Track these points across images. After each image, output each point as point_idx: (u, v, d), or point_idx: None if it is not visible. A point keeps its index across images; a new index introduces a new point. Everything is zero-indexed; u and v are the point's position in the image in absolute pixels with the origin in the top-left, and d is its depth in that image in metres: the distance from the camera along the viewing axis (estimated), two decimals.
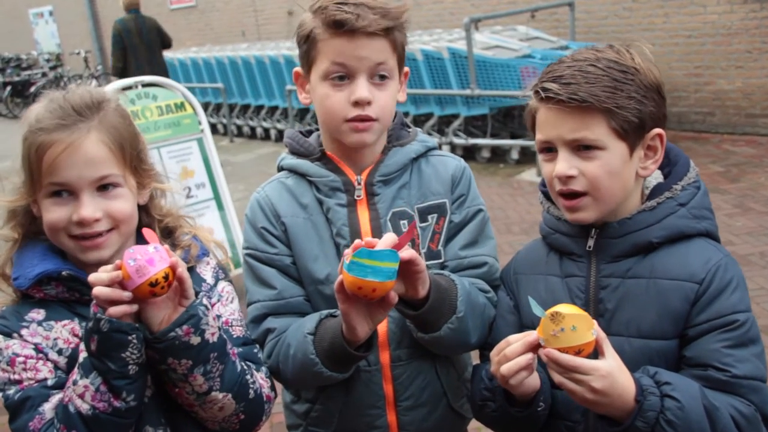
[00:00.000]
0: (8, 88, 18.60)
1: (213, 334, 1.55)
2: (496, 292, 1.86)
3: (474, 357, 2.03)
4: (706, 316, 1.51)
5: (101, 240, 1.59)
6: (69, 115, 1.58)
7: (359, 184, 1.80)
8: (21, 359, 1.57)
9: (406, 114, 9.71)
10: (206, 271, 1.80)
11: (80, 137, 1.56)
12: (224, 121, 13.12)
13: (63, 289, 1.61)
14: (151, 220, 1.75)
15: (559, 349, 1.38)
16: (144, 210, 1.74)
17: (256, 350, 1.80)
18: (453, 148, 9.37)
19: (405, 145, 1.86)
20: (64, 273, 1.59)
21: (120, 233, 1.62)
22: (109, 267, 1.46)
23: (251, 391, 1.67)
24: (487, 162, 9.17)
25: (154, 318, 1.52)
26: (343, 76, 1.71)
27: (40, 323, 1.60)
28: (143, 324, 1.52)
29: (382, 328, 1.78)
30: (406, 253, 1.52)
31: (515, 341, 1.48)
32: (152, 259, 1.44)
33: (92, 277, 1.45)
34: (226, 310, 1.78)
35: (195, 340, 1.52)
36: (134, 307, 1.47)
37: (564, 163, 1.56)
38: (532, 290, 1.71)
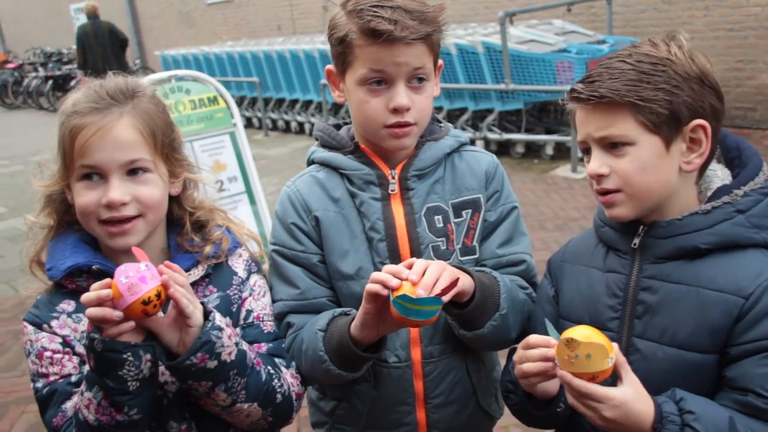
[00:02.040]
0: (50, 82, 18.92)
1: (230, 353, 1.54)
2: (534, 288, 1.84)
3: (501, 356, 2.01)
4: (751, 336, 1.40)
5: (128, 226, 1.59)
6: (103, 99, 1.59)
7: (393, 178, 1.78)
8: (48, 353, 1.59)
9: (440, 109, 9.66)
10: (238, 264, 1.79)
11: (112, 120, 1.57)
12: (259, 114, 13.21)
13: (94, 282, 1.59)
14: (183, 213, 1.74)
15: (574, 374, 1.35)
16: (176, 201, 1.74)
17: (285, 344, 1.80)
18: (487, 143, 9.31)
19: (438, 140, 1.84)
20: (94, 267, 1.59)
21: (147, 220, 1.62)
22: (97, 285, 1.43)
23: (278, 396, 1.66)
24: (522, 157, 9.09)
25: (170, 341, 1.51)
26: (380, 81, 1.68)
27: (69, 315, 1.62)
28: (160, 347, 1.51)
29: None
30: (449, 296, 1.51)
31: (535, 344, 1.46)
32: (144, 276, 1.41)
33: (84, 298, 1.43)
34: (257, 305, 1.77)
35: (212, 364, 1.51)
36: (131, 325, 1.43)
37: (595, 162, 1.52)
38: (574, 281, 1.68)
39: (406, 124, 1.70)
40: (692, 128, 1.49)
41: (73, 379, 1.58)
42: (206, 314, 1.53)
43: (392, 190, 1.78)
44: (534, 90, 8.56)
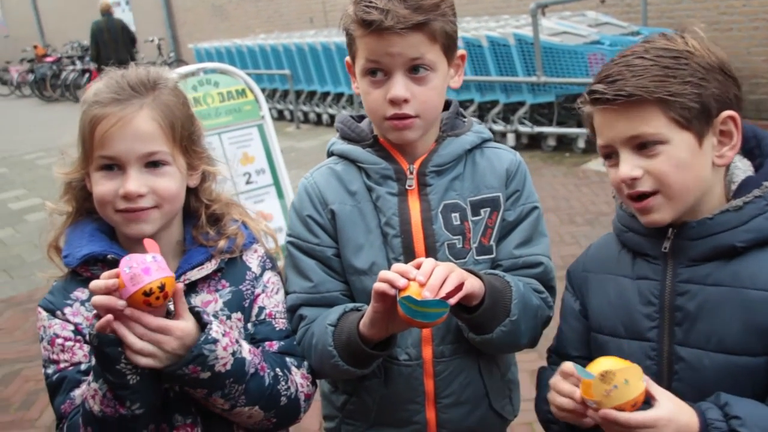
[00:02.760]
0: (87, 75, 19.16)
1: (225, 364, 1.51)
2: (551, 292, 1.80)
3: (519, 359, 1.99)
4: None
5: (143, 214, 1.59)
6: (124, 90, 1.59)
7: (411, 173, 1.75)
8: (60, 341, 1.61)
9: (471, 101, 9.60)
10: (252, 260, 1.78)
11: (132, 112, 1.57)
12: (291, 107, 13.24)
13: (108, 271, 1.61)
14: (199, 205, 1.74)
15: (615, 407, 1.29)
16: (193, 194, 1.74)
17: (296, 338, 1.79)
18: (518, 136, 9.24)
19: (460, 136, 1.80)
20: (109, 256, 1.60)
21: (163, 211, 1.62)
22: (107, 274, 1.43)
23: (283, 398, 1.64)
24: (553, 151, 8.99)
25: None
26: (378, 71, 1.65)
27: (83, 303, 1.63)
28: None
29: None
30: (455, 299, 1.48)
31: (567, 374, 1.40)
32: (148, 268, 1.40)
33: (92, 285, 1.43)
34: (270, 302, 1.76)
35: (205, 374, 1.49)
36: (108, 318, 1.40)
37: (626, 165, 1.43)
38: (602, 291, 1.62)
39: (405, 117, 1.66)
40: (722, 120, 1.43)
41: (83, 367, 1.59)
42: (203, 325, 1.51)
43: (410, 186, 1.75)
44: (566, 82, 8.46)
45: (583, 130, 8.65)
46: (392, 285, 1.47)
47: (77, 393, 1.57)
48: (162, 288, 1.40)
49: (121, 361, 1.44)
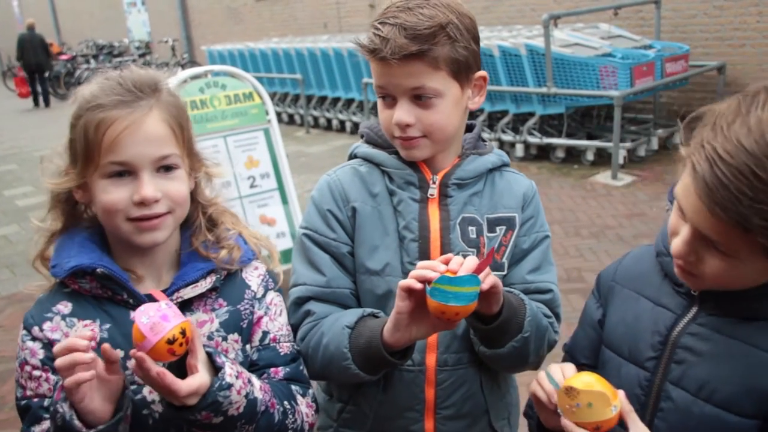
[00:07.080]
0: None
1: (238, 407, 1.45)
2: (557, 319, 1.81)
3: (520, 382, 1.98)
4: None
5: (158, 221, 1.52)
6: (129, 92, 1.51)
7: (434, 183, 1.78)
8: (28, 368, 1.54)
9: (482, 111, 9.58)
10: (252, 278, 1.71)
11: (142, 115, 1.50)
12: (301, 111, 13.26)
13: (96, 285, 1.54)
14: (195, 206, 1.68)
15: (577, 423, 1.29)
16: (190, 198, 1.67)
17: (302, 367, 1.73)
18: (527, 146, 9.21)
19: (483, 155, 1.83)
20: (98, 270, 1.52)
21: (175, 216, 1.56)
22: (84, 334, 1.36)
23: (290, 431, 1.60)
24: (561, 162, 8.96)
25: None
26: (387, 96, 1.69)
27: (64, 317, 1.55)
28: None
29: None
30: (489, 281, 1.48)
31: (543, 382, 1.39)
32: (166, 315, 1.34)
33: (56, 349, 1.35)
34: (273, 326, 1.70)
35: (217, 420, 1.44)
36: (92, 374, 1.33)
37: (684, 246, 1.30)
38: (621, 308, 1.57)
39: (410, 138, 1.70)
40: None
41: (45, 402, 1.51)
42: (217, 369, 1.44)
43: (431, 195, 1.77)
44: (576, 94, 8.43)
45: (593, 143, 8.63)
46: (421, 279, 1.46)
47: (36, 430, 1.50)
48: (184, 333, 1.35)
49: None
